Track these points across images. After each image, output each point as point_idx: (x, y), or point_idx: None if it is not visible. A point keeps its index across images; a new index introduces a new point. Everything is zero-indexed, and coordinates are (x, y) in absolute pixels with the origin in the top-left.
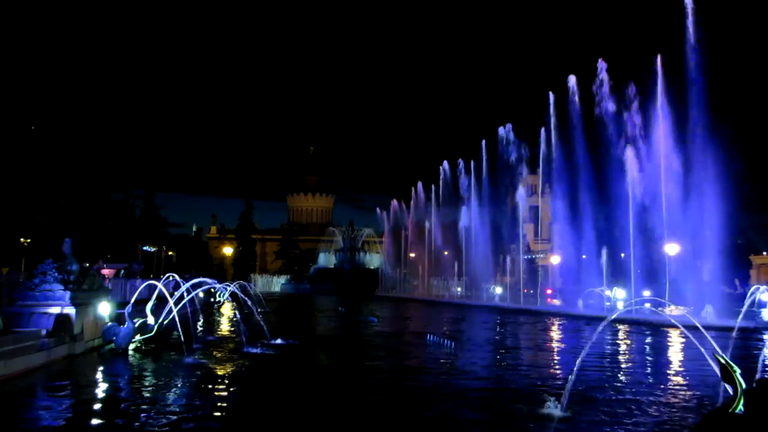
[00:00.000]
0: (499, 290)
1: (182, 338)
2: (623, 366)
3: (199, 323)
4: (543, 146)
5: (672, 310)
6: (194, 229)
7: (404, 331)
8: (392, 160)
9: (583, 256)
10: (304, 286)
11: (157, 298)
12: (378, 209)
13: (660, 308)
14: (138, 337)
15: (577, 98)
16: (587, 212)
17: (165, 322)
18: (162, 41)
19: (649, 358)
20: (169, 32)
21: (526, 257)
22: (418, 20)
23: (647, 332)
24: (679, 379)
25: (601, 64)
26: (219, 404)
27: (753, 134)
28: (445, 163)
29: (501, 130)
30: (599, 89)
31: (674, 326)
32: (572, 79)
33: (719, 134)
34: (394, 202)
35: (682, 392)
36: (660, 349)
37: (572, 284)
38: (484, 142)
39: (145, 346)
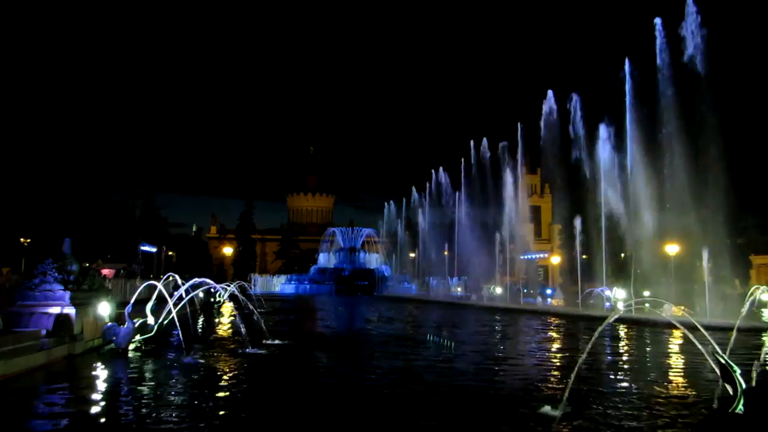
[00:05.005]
0: (499, 290)
1: (182, 338)
2: (623, 366)
3: (199, 323)
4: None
5: (672, 310)
6: (194, 229)
7: (404, 332)
8: (392, 161)
9: (584, 256)
10: (303, 286)
11: (157, 298)
12: (387, 204)
13: (660, 308)
14: (138, 337)
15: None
16: (588, 212)
17: (165, 322)
18: (162, 42)
19: (648, 358)
20: (169, 33)
21: (526, 257)
22: (417, 20)
23: (647, 332)
24: (679, 379)
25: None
26: (218, 404)
27: (754, 133)
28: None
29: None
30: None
31: (674, 326)
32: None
33: (719, 134)
34: (392, 203)
35: (682, 392)
36: (660, 349)
37: (572, 284)
38: (479, 141)
39: (145, 346)
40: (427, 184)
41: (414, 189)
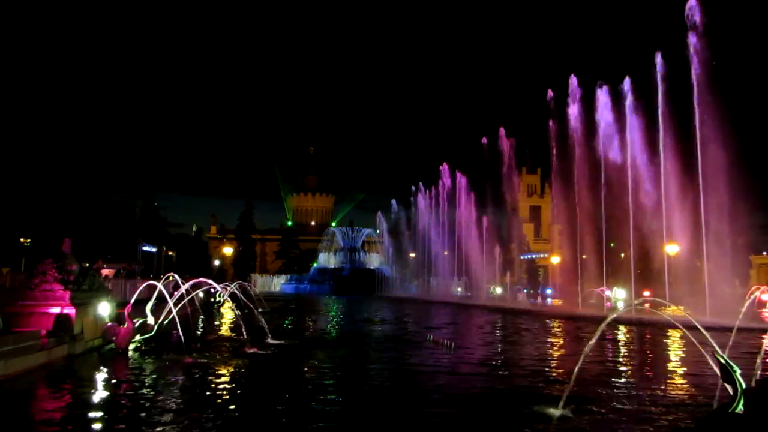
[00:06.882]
0: (499, 290)
1: (182, 338)
2: (623, 366)
3: (199, 323)
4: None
5: (672, 310)
6: (194, 229)
7: (403, 331)
8: (392, 160)
9: (584, 256)
10: (303, 286)
11: (157, 298)
12: (379, 212)
13: (660, 308)
14: (138, 337)
15: (578, 98)
16: (588, 212)
17: (165, 322)
18: (163, 41)
19: (648, 358)
20: (170, 32)
21: (526, 257)
22: (418, 20)
23: (647, 332)
24: (679, 379)
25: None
26: (219, 405)
27: (754, 133)
28: (445, 164)
29: (501, 130)
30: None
31: (674, 326)
32: (573, 81)
33: (720, 134)
34: (394, 202)
35: (682, 392)
36: (660, 349)
37: (572, 284)
38: (485, 139)
39: (145, 346)
40: (416, 186)
41: (419, 186)
